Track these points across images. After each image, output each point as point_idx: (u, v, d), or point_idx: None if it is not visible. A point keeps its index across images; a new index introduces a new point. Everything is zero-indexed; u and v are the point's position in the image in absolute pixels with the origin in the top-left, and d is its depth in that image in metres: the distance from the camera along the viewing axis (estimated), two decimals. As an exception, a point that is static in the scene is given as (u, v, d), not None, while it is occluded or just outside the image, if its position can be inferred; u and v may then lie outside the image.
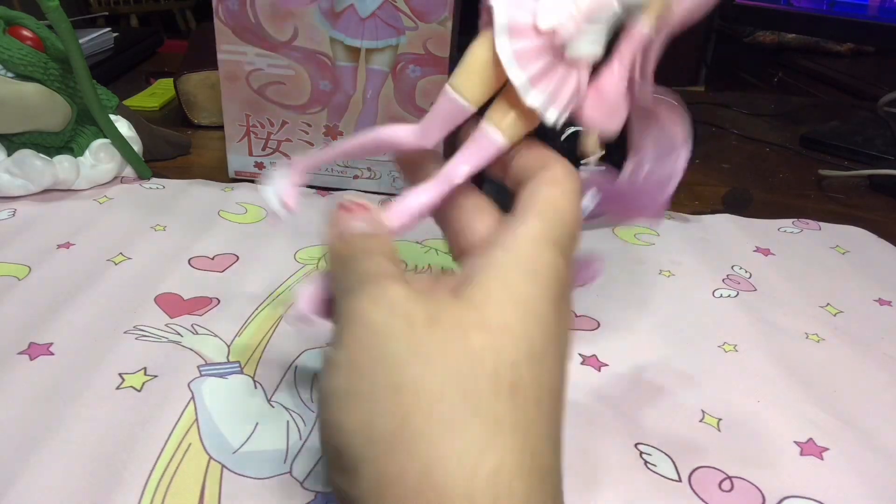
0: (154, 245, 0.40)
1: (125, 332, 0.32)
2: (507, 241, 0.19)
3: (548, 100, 0.21)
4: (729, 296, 0.40)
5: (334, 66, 0.46)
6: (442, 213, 0.23)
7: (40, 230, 0.41)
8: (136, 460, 0.25)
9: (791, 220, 0.52)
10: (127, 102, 0.63)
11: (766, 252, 0.46)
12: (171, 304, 0.35)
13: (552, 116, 0.22)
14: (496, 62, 0.21)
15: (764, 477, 0.27)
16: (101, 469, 0.25)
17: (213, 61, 0.47)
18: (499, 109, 0.22)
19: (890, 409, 0.32)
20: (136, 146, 0.50)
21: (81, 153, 0.46)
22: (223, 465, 0.25)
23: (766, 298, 0.40)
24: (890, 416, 0.31)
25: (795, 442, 0.29)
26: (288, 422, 0.28)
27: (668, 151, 0.24)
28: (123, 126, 0.49)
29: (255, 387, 0.30)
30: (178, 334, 0.33)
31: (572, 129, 0.23)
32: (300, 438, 0.27)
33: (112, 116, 0.48)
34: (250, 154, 0.50)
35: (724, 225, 0.50)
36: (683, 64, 1.67)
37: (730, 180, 0.60)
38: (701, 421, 0.30)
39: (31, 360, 0.30)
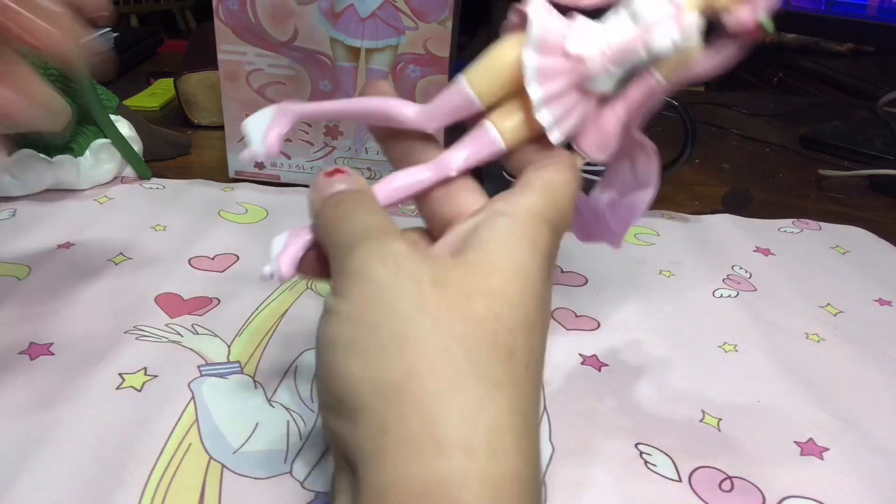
0: (154, 245, 0.40)
1: (125, 332, 0.32)
2: (510, 210, 0.20)
3: (556, 120, 0.22)
4: (729, 296, 0.40)
5: (334, 66, 0.46)
6: (431, 198, 0.23)
7: (40, 230, 0.41)
8: (136, 460, 0.25)
9: (791, 220, 0.52)
10: (127, 102, 0.63)
11: (766, 252, 0.46)
12: (171, 304, 0.35)
13: (556, 137, 0.22)
14: (517, 69, 0.22)
15: (764, 477, 0.27)
16: (101, 469, 0.25)
17: (213, 61, 0.47)
18: (505, 113, 0.23)
19: (890, 409, 0.32)
20: (137, 146, 0.50)
21: (82, 153, 0.46)
22: (223, 465, 0.25)
23: (766, 298, 0.40)
24: (890, 416, 0.31)
25: (795, 442, 0.29)
26: (288, 422, 0.28)
27: (636, 189, 0.25)
28: (124, 126, 0.49)
29: (255, 387, 0.30)
30: (179, 334, 0.33)
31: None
32: (300, 438, 0.27)
33: (112, 116, 0.48)
34: (250, 154, 0.50)
35: (724, 225, 0.50)
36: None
37: (730, 180, 0.60)
38: (701, 421, 0.30)
39: (31, 360, 0.30)
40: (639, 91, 0.22)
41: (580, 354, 0.34)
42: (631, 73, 0.22)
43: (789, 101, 0.90)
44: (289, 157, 0.50)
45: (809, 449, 0.29)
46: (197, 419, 0.27)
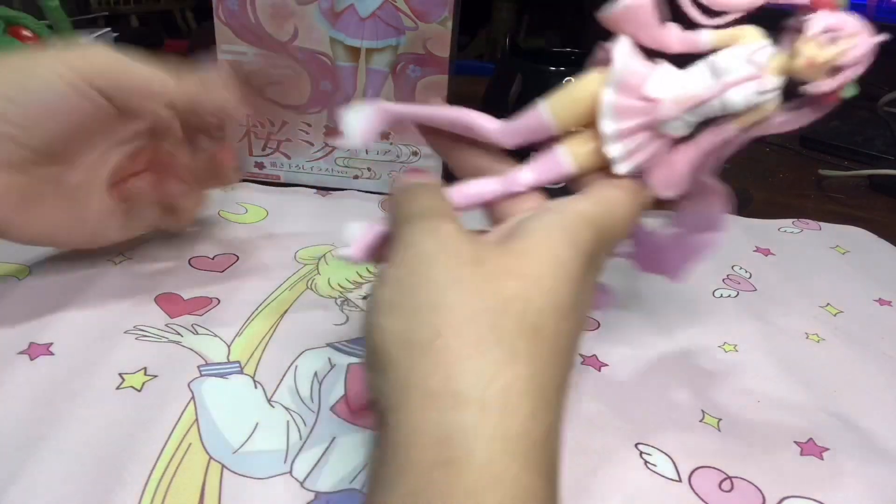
0: (154, 245, 0.40)
1: (125, 332, 0.32)
2: (560, 208, 0.22)
3: (625, 155, 0.23)
4: (729, 296, 0.40)
5: (334, 66, 0.46)
6: (497, 205, 0.25)
7: (40, 230, 0.41)
8: (136, 460, 0.25)
9: (791, 220, 0.52)
10: (127, 102, 0.63)
11: (766, 252, 0.46)
12: (171, 304, 0.35)
13: (623, 170, 0.24)
14: (595, 103, 0.23)
15: (764, 477, 0.27)
16: (101, 469, 0.25)
17: (213, 61, 0.47)
18: (578, 140, 0.24)
19: (890, 409, 0.32)
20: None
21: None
22: (223, 465, 0.25)
23: (766, 298, 0.40)
24: (890, 416, 0.31)
25: (795, 442, 0.29)
26: (288, 422, 0.28)
27: (705, 228, 0.27)
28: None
29: (255, 387, 0.30)
30: (179, 334, 0.33)
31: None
32: (300, 438, 0.27)
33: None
34: (250, 154, 0.50)
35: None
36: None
37: (730, 180, 0.60)
38: (701, 421, 0.30)
39: (31, 360, 0.30)
40: (713, 138, 0.23)
41: (580, 354, 0.34)
42: (706, 121, 0.23)
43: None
44: (288, 157, 0.50)
45: (809, 449, 0.29)
46: (197, 419, 0.27)
